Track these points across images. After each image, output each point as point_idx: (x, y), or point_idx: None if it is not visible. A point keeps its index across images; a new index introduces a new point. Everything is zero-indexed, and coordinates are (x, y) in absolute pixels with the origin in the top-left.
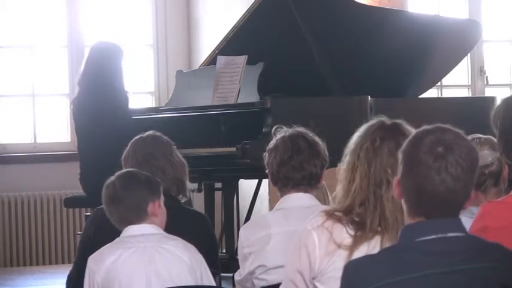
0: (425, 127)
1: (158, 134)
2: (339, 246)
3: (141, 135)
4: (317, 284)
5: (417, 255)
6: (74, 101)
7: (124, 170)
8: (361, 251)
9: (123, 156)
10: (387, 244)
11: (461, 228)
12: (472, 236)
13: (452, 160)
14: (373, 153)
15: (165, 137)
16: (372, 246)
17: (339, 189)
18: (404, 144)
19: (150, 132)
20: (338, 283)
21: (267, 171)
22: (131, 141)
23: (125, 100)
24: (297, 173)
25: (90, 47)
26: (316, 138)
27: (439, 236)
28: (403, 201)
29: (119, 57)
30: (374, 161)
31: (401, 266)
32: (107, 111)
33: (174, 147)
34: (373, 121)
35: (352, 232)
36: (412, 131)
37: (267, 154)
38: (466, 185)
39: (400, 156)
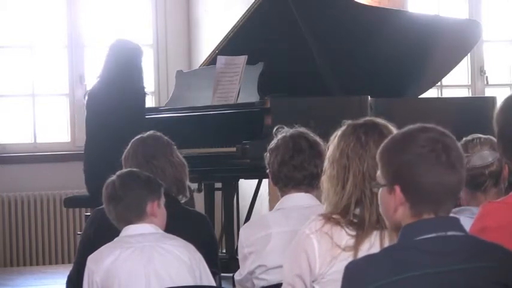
0: (407, 130)
1: (158, 134)
2: (343, 249)
3: (141, 135)
4: (317, 286)
5: (417, 254)
6: (91, 92)
7: (125, 170)
8: (363, 250)
9: (123, 156)
10: (386, 239)
11: (460, 227)
12: (471, 236)
13: (454, 151)
14: (362, 148)
15: (165, 137)
16: (372, 243)
17: (331, 195)
18: (401, 152)
19: (151, 132)
20: (338, 285)
21: (268, 171)
22: (131, 141)
23: (142, 97)
24: (298, 173)
25: (110, 45)
26: (317, 139)
27: (439, 234)
28: (405, 205)
29: (140, 55)
30: (365, 155)
31: (400, 265)
32: (126, 108)
33: (174, 147)
34: (343, 127)
35: (352, 232)
36: (384, 122)
37: (268, 154)
38: (465, 169)
39: (400, 163)
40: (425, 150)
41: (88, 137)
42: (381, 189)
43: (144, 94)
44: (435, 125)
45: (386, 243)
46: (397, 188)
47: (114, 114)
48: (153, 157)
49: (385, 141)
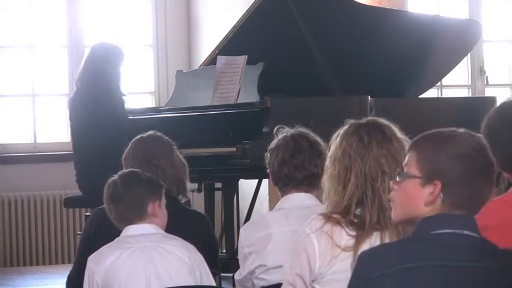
0: (455, 131)
1: (159, 134)
2: (343, 249)
3: (141, 135)
4: (316, 286)
5: (429, 246)
6: (70, 100)
7: (127, 170)
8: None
9: (123, 156)
10: (387, 240)
11: (476, 229)
12: (484, 239)
13: (494, 162)
14: (364, 149)
15: (166, 137)
16: (372, 244)
17: (332, 195)
18: (451, 150)
19: (151, 132)
20: (337, 285)
21: (268, 170)
22: (132, 141)
23: (119, 102)
24: (298, 173)
25: (91, 47)
26: (318, 139)
27: (455, 231)
28: (437, 202)
29: (118, 59)
30: (367, 156)
31: (412, 254)
32: (100, 112)
33: (175, 147)
34: (345, 127)
35: (352, 233)
36: (387, 122)
37: (268, 154)
38: None
39: (448, 160)
40: (476, 154)
41: (73, 142)
42: (406, 179)
43: (120, 97)
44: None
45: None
46: (439, 184)
47: (91, 118)
48: (153, 157)
49: (426, 134)
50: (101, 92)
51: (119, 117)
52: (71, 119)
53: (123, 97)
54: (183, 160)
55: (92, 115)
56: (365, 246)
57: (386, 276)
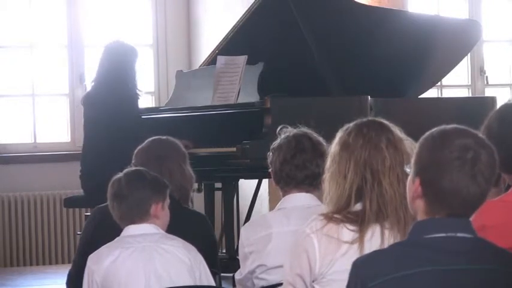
0: (445, 130)
1: (177, 141)
2: (344, 249)
3: (159, 136)
4: (316, 286)
5: (425, 251)
6: (84, 97)
7: (133, 168)
8: (365, 241)
9: (136, 151)
10: (387, 231)
11: (470, 229)
12: (480, 239)
13: (482, 164)
14: (363, 138)
15: (184, 148)
16: (373, 233)
17: (333, 190)
18: (431, 150)
19: (169, 137)
20: (337, 285)
21: (270, 170)
22: (148, 139)
23: (133, 102)
24: (299, 172)
25: (105, 46)
26: (321, 139)
27: (448, 234)
28: (422, 200)
29: (133, 57)
30: (366, 143)
31: (407, 261)
32: (113, 110)
33: (188, 159)
34: (346, 126)
35: (352, 227)
36: (386, 122)
37: (270, 153)
38: (491, 183)
39: (426, 159)
40: (452, 155)
41: (84, 138)
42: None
43: (135, 96)
44: (477, 132)
45: (387, 234)
46: (417, 181)
47: (105, 115)
48: (165, 158)
49: (432, 130)
50: (115, 90)
51: (130, 117)
52: (84, 115)
53: (138, 95)
54: (192, 173)
55: (105, 113)
56: (367, 235)
57: (383, 284)
